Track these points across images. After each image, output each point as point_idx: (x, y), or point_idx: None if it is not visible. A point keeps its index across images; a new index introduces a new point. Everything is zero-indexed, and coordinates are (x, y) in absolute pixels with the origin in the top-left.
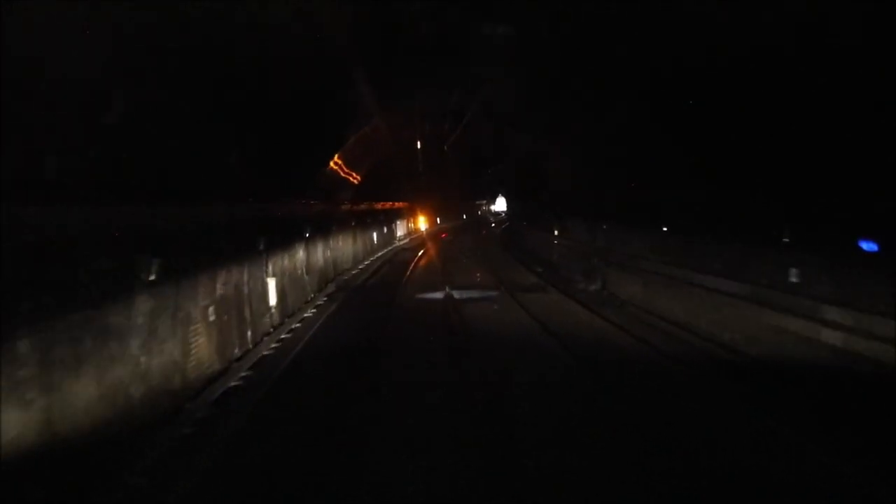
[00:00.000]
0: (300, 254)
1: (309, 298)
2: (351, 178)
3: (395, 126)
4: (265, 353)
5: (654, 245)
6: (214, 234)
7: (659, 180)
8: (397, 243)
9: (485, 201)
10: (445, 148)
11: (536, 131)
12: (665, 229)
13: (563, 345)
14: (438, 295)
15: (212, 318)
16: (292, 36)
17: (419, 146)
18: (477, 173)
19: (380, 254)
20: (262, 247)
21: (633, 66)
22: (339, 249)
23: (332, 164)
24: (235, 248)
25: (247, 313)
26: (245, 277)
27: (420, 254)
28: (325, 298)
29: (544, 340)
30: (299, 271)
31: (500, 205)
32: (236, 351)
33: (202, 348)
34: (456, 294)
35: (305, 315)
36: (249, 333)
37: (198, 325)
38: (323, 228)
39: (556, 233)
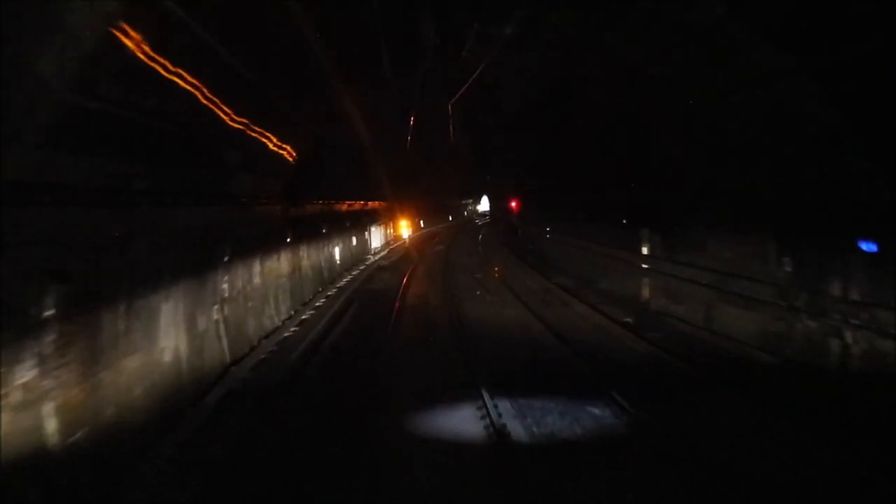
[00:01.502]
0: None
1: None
2: (270, 144)
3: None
4: None
5: None
6: None
7: None
8: (372, 258)
9: (471, 200)
10: (450, 109)
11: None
12: None
13: None
14: (470, 427)
15: None
16: None
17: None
18: (484, 158)
19: (344, 281)
20: None
21: None
22: (258, 294)
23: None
24: None
25: None
26: None
27: (406, 280)
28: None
29: None
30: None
31: (485, 205)
32: None
33: None
34: (517, 427)
35: None
36: None
37: None
38: (205, 264)
39: (644, 251)
